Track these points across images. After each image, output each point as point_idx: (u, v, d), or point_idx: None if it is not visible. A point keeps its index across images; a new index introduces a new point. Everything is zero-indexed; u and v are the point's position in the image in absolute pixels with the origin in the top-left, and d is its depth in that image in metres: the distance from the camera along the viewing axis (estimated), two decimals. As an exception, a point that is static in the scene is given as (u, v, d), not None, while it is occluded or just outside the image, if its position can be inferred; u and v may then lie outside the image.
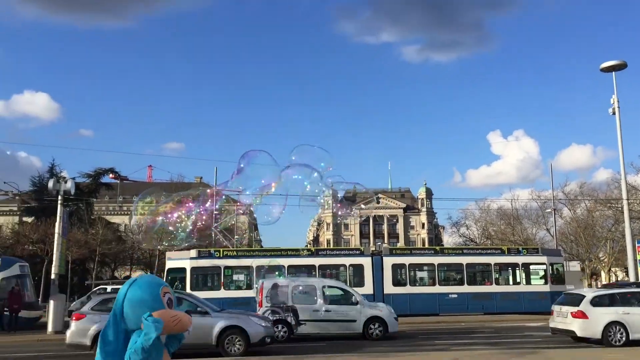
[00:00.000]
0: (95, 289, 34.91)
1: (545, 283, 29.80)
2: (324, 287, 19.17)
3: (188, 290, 27.58)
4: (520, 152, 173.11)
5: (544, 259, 30.71)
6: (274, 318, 17.36)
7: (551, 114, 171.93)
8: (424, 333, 19.73)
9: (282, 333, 18.01)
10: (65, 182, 27.70)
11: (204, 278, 29.56)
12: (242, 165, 5.74)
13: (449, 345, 17.12)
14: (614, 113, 24.81)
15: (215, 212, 48.17)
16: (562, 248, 46.75)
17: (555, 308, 17.59)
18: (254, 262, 28.89)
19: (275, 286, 18.85)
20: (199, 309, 14.56)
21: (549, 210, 49.33)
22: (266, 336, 14.94)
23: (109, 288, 32.14)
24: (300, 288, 18.78)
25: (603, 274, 55.85)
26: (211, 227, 45.59)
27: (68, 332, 14.89)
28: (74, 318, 15.11)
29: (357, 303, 18.86)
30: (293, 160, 6.22)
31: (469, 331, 22.27)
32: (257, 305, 18.89)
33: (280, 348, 16.44)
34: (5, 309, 25.09)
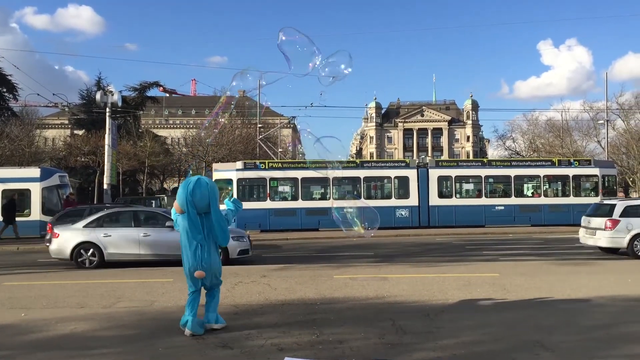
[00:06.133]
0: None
1: (597, 195, 29.19)
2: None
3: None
4: (572, 62, 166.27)
5: (596, 170, 29.93)
6: None
7: (607, 20, 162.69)
8: (471, 244, 19.69)
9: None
10: (112, 94, 28.08)
11: (250, 189, 29.94)
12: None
13: (497, 256, 17.04)
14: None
15: (260, 126, 48.39)
16: (612, 159, 45.37)
17: None
18: (299, 174, 29.17)
19: None
20: None
21: (601, 121, 47.54)
22: None
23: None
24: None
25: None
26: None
27: None
28: None
29: None
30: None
31: (516, 242, 22.15)
32: None
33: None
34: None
